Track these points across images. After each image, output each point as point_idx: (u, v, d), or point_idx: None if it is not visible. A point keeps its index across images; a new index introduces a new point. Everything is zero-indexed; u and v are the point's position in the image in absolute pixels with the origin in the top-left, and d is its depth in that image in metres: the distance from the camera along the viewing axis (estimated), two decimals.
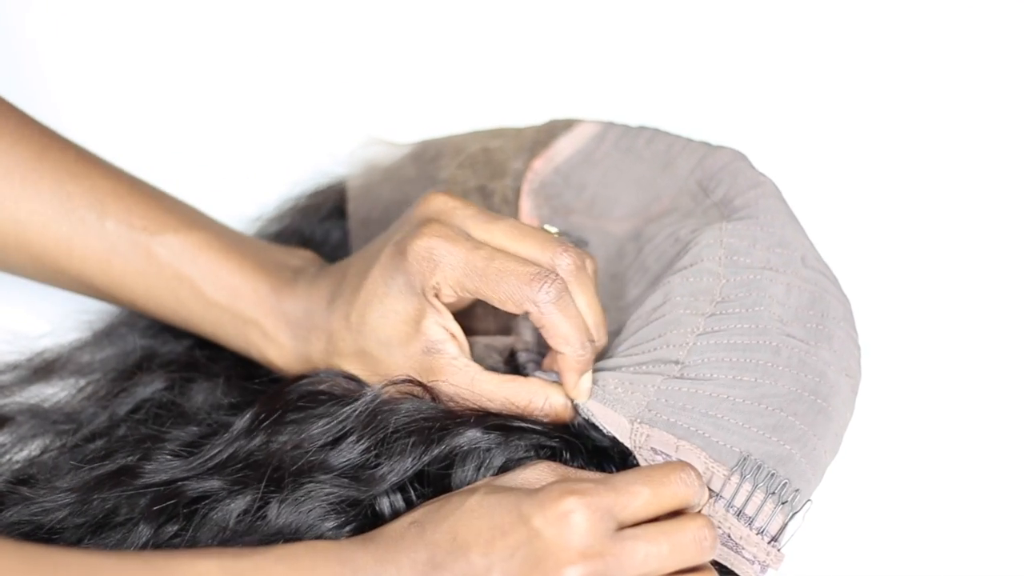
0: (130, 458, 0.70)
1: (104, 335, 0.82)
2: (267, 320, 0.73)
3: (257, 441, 0.68)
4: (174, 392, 0.75)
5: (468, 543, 0.61)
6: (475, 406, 0.69)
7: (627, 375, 0.69)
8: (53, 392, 0.79)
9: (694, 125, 0.82)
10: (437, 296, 0.68)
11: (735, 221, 0.71)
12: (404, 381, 0.69)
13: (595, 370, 0.70)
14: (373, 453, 0.67)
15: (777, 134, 0.96)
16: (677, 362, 0.68)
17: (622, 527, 0.62)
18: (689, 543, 0.62)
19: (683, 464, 0.64)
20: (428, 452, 0.67)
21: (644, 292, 0.74)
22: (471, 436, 0.67)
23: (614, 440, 0.68)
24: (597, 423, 0.68)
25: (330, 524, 0.66)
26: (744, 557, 0.66)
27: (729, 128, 0.87)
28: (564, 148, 0.81)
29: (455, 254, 0.67)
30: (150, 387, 0.76)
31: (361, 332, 0.70)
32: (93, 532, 0.68)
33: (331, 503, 0.66)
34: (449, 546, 0.61)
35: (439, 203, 0.69)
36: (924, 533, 0.79)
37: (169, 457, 0.70)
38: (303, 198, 0.87)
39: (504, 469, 0.67)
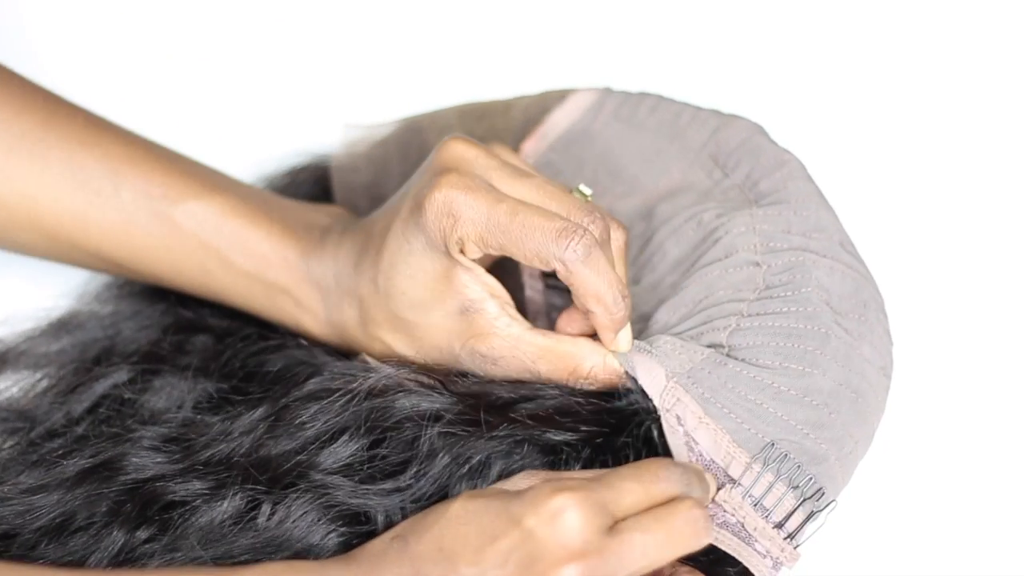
0: (108, 453, 0.65)
1: (61, 325, 0.77)
2: (299, 288, 0.70)
3: (251, 441, 0.64)
4: (136, 387, 0.70)
5: (455, 552, 0.57)
6: (516, 372, 0.65)
7: (679, 341, 0.66)
8: (5, 387, 0.74)
9: (699, 90, 0.78)
10: (463, 252, 0.64)
11: (766, 207, 0.68)
12: (405, 367, 0.65)
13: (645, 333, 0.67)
14: (367, 454, 0.63)
15: (792, 98, 0.92)
16: (723, 345, 0.65)
17: (615, 522, 0.59)
18: (683, 527, 0.59)
19: (668, 461, 0.61)
20: (425, 460, 0.63)
21: (669, 278, 0.70)
22: (479, 446, 0.63)
23: (632, 428, 0.65)
24: (635, 374, 0.64)
25: (320, 532, 0.62)
26: (756, 550, 0.63)
27: (739, 93, 0.84)
28: (558, 123, 0.76)
29: (476, 208, 0.62)
30: (110, 380, 0.71)
31: (391, 296, 0.66)
32: (51, 537, 0.63)
33: (322, 509, 0.62)
34: (435, 557, 0.57)
35: (459, 150, 0.64)
36: (934, 537, 0.77)
37: (150, 453, 0.65)
38: (279, 177, 0.84)
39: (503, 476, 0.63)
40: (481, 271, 0.65)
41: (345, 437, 0.63)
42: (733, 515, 0.63)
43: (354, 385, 0.64)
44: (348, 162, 0.82)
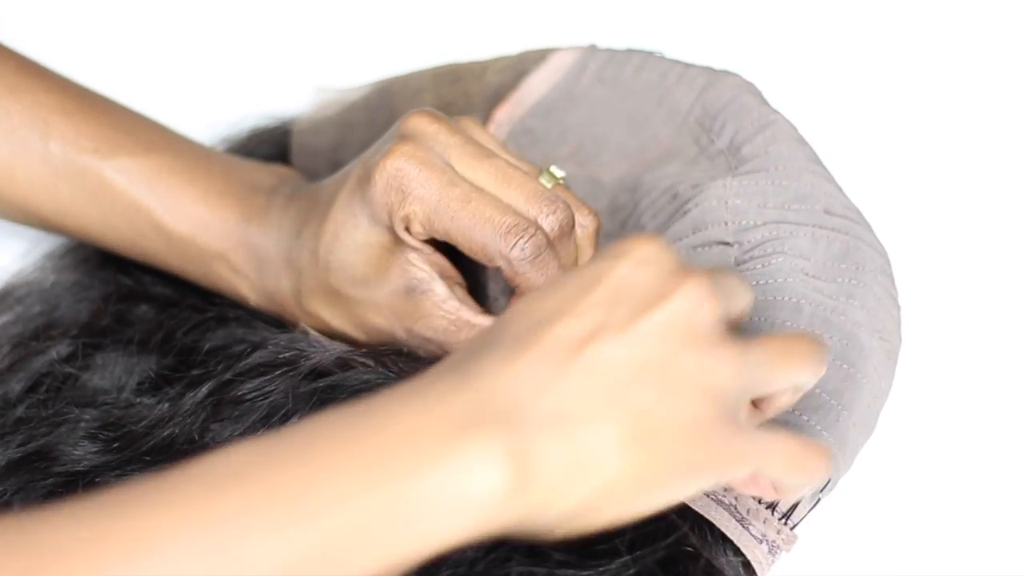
0: (40, 441, 0.61)
1: None
2: (235, 253, 0.66)
3: (195, 426, 0.60)
4: (76, 363, 0.66)
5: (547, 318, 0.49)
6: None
7: None
8: None
9: (696, 44, 0.73)
10: (408, 230, 0.60)
11: (741, 176, 0.63)
12: (352, 349, 0.61)
13: None
14: None
15: (796, 49, 0.86)
16: None
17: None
18: (802, 350, 0.51)
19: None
20: None
21: None
22: None
23: None
24: None
25: None
26: (752, 534, 0.58)
27: (738, 46, 0.78)
28: (537, 87, 0.71)
29: (427, 186, 0.59)
30: (48, 356, 0.67)
31: (331, 270, 0.62)
32: None
33: None
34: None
35: (421, 123, 0.60)
36: (938, 535, 0.72)
37: (85, 442, 0.61)
38: (240, 139, 0.79)
39: None
40: (429, 250, 0.61)
41: (295, 419, 0.59)
42: (724, 496, 0.58)
43: (300, 362, 0.60)
44: (311, 125, 0.77)
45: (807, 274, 0.61)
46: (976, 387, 0.76)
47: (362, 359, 0.60)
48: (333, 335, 0.64)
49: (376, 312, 0.62)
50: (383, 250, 0.61)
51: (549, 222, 0.59)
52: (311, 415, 0.58)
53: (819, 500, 0.61)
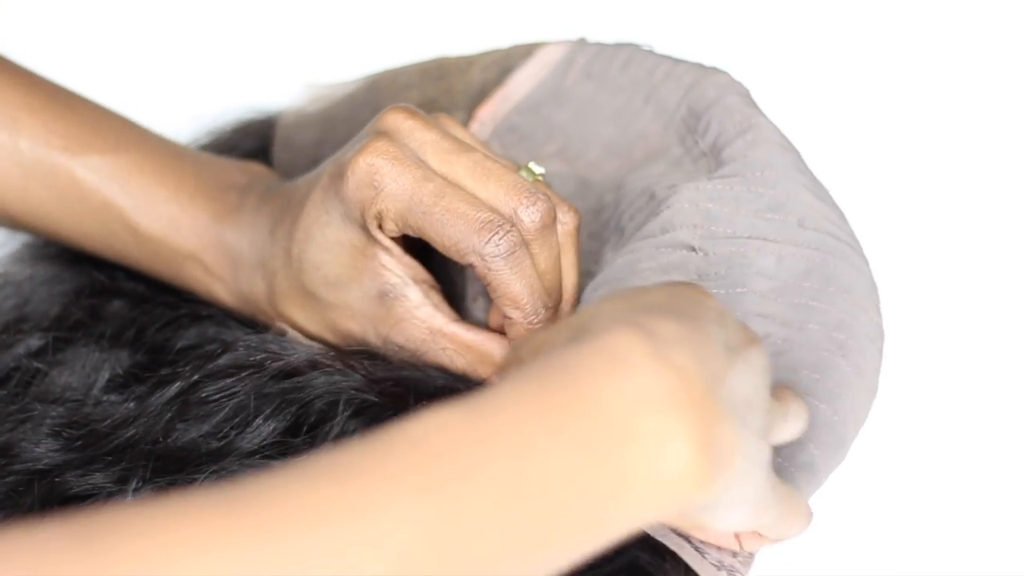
0: (4, 437, 0.60)
1: None
2: (208, 253, 0.65)
3: (160, 426, 0.59)
4: (47, 358, 0.65)
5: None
6: (434, 362, 0.60)
7: None
8: None
9: (687, 36, 0.72)
10: (381, 228, 0.59)
11: (716, 180, 0.61)
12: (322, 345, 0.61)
13: None
14: (287, 436, 0.58)
15: (790, 47, 0.85)
16: None
17: None
18: (799, 411, 0.54)
19: None
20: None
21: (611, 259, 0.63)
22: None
23: None
24: None
25: None
26: (709, 562, 0.57)
27: (733, 40, 0.77)
28: (523, 83, 0.69)
29: (400, 182, 0.57)
30: (18, 350, 0.66)
31: (304, 270, 0.61)
32: None
33: None
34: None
35: (396, 119, 0.59)
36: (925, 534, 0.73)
37: (49, 439, 0.60)
38: (223, 133, 0.78)
39: None
40: (400, 252, 0.60)
41: (259, 420, 0.58)
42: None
43: (268, 363, 0.59)
44: (296, 120, 0.76)
45: (764, 298, 0.59)
46: (966, 389, 0.76)
47: (329, 361, 0.59)
48: (309, 339, 0.63)
49: (349, 317, 0.61)
50: (355, 250, 0.60)
51: (529, 214, 0.58)
52: (277, 416, 0.58)
53: None
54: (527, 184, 0.58)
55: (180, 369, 0.61)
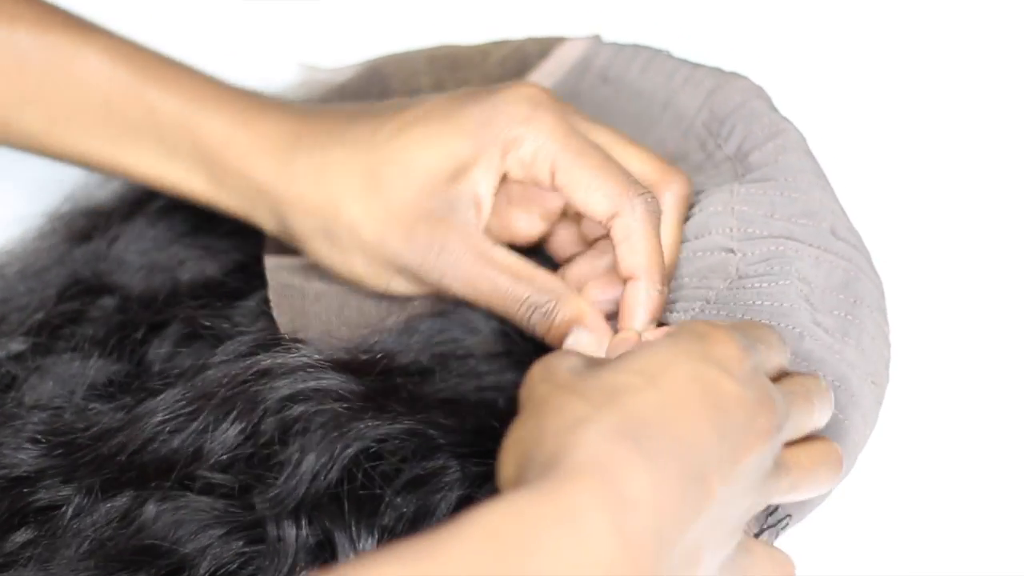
0: None
1: None
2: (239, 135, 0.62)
3: (142, 436, 0.57)
4: (26, 364, 0.63)
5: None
6: (462, 288, 0.59)
7: None
8: None
9: (701, 33, 0.72)
10: (505, 169, 0.59)
11: (749, 184, 0.61)
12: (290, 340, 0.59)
13: None
14: (252, 440, 0.57)
15: (805, 51, 0.85)
16: None
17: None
18: (822, 396, 0.53)
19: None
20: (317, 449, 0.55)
21: None
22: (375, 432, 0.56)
23: None
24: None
25: (217, 532, 0.55)
26: None
27: (750, 43, 0.76)
28: (540, 83, 0.68)
29: (558, 127, 0.58)
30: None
31: (388, 147, 0.59)
32: None
33: (212, 510, 0.56)
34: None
35: (534, 91, 0.60)
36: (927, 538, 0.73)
37: (29, 446, 0.59)
38: None
39: (417, 484, 0.55)
40: (496, 183, 0.59)
41: (224, 424, 0.57)
42: None
43: (240, 373, 0.58)
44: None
45: (810, 303, 0.59)
46: (965, 389, 0.76)
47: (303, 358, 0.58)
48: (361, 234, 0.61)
49: (409, 201, 0.59)
50: (459, 160, 0.59)
51: (673, 188, 0.59)
52: (239, 419, 0.57)
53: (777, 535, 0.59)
54: (666, 163, 0.60)
55: (168, 378, 0.60)
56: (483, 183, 0.58)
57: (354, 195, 0.60)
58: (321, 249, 0.61)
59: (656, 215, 0.57)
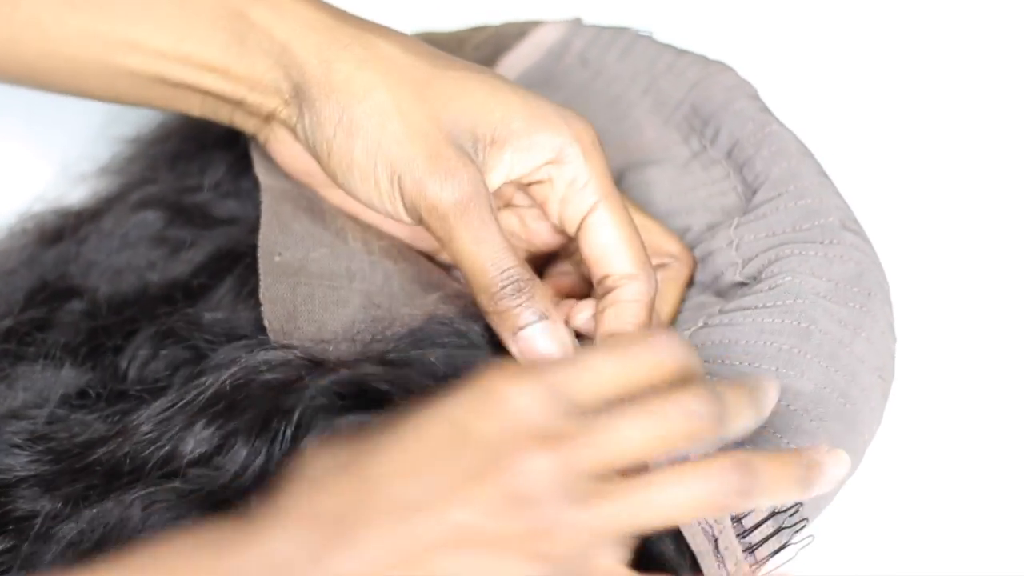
0: None
1: None
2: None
3: (135, 443, 0.56)
4: None
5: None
6: (457, 238, 0.56)
7: None
8: None
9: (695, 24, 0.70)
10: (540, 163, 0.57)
11: (750, 214, 0.61)
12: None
13: None
14: (225, 442, 0.55)
15: (793, 37, 0.84)
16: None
17: (584, 409, 0.47)
18: (678, 416, 0.47)
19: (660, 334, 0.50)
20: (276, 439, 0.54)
21: None
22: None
23: None
24: None
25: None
26: (726, 570, 0.56)
27: (736, 29, 0.75)
28: (515, 65, 0.67)
29: (606, 173, 0.58)
30: None
31: (451, 72, 0.57)
32: None
33: (184, 511, 0.54)
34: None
35: (594, 129, 0.58)
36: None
37: (16, 451, 0.58)
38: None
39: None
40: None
41: (198, 426, 0.55)
42: (710, 528, 0.55)
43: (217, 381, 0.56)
44: None
45: (822, 296, 0.58)
46: (966, 390, 0.76)
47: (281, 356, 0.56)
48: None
49: (423, 133, 0.56)
50: (502, 135, 0.56)
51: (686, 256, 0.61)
52: (212, 421, 0.55)
53: (786, 542, 0.58)
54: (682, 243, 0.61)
55: (148, 386, 0.59)
56: (509, 167, 0.57)
57: (398, 92, 0.56)
58: (330, 141, 0.57)
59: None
